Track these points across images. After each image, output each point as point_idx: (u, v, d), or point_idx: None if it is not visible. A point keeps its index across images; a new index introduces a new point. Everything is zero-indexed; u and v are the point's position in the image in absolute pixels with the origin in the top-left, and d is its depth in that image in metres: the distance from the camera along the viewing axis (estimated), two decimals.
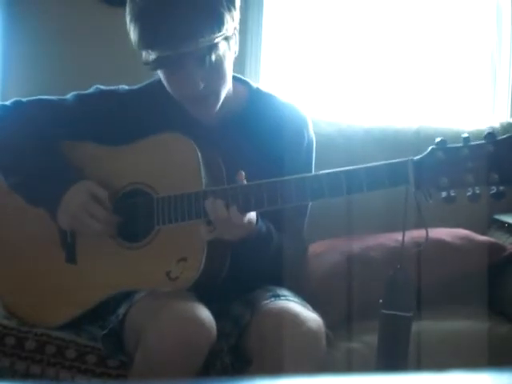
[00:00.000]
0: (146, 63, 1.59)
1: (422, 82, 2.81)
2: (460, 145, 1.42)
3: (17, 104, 1.78)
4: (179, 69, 1.58)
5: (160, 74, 1.64)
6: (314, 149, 1.78)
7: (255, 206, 1.53)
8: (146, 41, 1.56)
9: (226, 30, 1.57)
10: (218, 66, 1.60)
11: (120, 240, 1.70)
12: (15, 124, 1.75)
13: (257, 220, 1.58)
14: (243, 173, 1.54)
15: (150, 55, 1.57)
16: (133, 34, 1.58)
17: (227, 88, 1.66)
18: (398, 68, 2.80)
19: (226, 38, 1.59)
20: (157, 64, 1.58)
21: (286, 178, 1.53)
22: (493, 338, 1.99)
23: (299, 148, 1.75)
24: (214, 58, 1.57)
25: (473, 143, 1.41)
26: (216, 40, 1.55)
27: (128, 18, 1.59)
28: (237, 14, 1.61)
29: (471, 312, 2.08)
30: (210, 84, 1.61)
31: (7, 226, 1.85)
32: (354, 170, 1.48)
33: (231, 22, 1.59)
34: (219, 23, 1.55)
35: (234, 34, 1.63)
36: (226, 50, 1.60)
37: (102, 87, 1.78)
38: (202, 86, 1.59)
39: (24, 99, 1.79)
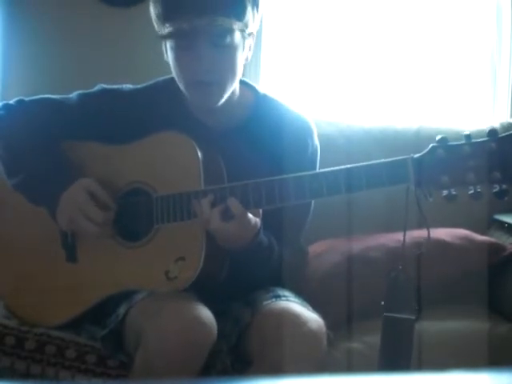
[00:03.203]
0: (162, 36, 1.60)
1: (422, 82, 2.81)
2: (461, 142, 1.40)
3: (20, 103, 1.78)
4: (192, 43, 1.58)
5: (171, 52, 1.63)
6: (319, 157, 1.78)
7: (254, 204, 1.53)
8: (166, 12, 1.57)
9: (245, 24, 1.59)
10: (228, 53, 1.60)
11: (120, 239, 1.70)
12: (18, 123, 1.75)
13: (259, 229, 1.58)
14: None
15: (167, 28, 1.58)
16: (153, 6, 1.60)
17: (233, 86, 1.65)
18: (398, 68, 2.80)
19: (243, 32, 1.60)
20: (172, 35, 1.58)
21: (284, 176, 1.53)
22: (493, 338, 1.99)
23: (303, 156, 1.74)
24: (227, 40, 1.57)
25: (474, 140, 1.39)
26: (233, 26, 1.56)
27: None
28: (258, 19, 1.63)
29: (471, 312, 2.08)
30: (217, 70, 1.60)
31: (9, 225, 1.85)
32: (353, 168, 1.47)
33: (251, 20, 1.60)
34: (240, 11, 1.57)
35: (251, 37, 1.64)
36: (240, 44, 1.61)
37: (106, 86, 1.78)
38: (209, 67, 1.59)
39: (27, 98, 1.79)
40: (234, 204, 1.52)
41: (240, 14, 1.57)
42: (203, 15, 1.54)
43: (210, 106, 1.66)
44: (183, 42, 1.59)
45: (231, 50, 1.60)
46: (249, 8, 1.59)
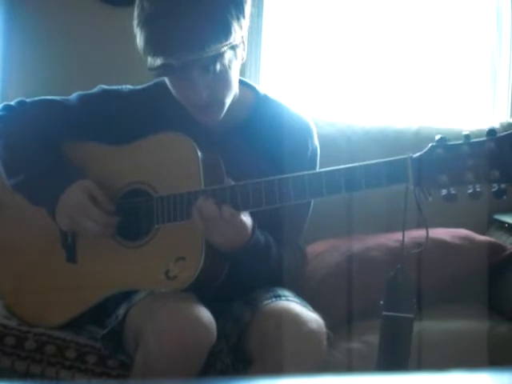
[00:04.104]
0: (151, 69, 1.58)
1: (422, 82, 2.81)
2: (460, 142, 1.41)
3: (21, 104, 1.79)
4: (183, 77, 1.57)
5: (165, 78, 1.64)
6: (318, 158, 1.78)
7: (254, 204, 1.54)
8: (152, 47, 1.54)
9: (233, 39, 1.56)
10: (223, 74, 1.59)
11: (120, 239, 1.70)
12: (19, 123, 1.76)
13: (253, 228, 1.58)
14: None
15: (155, 61, 1.56)
16: (139, 39, 1.57)
17: (232, 95, 1.65)
18: (398, 68, 2.80)
19: (233, 47, 1.58)
20: (161, 71, 1.57)
21: (284, 176, 1.53)
22: (493, 338, 1.99)
23: (303, 156, 1.74)
24: (218, 67, 1.56)
25: (473, 140, 1.41)
26: (222, 49, 1.54)
27: (135, 22, 1.58)
28: (246, 22, 1.60)
29: (471, 312, 2.08)
30: (215, 92, 1.60)
31: (9, 226, 1.85)
32: (352, 167, 1.48)
33: (239, 31, 1.57)
34: (226, 33, 1.54)
35: (242, 41, 1.62)
36: (233, 58, 1.59)
37: (106, 87, 1.78)
38: (205, 93, 1.58)
39: (28, 99, 1.79)
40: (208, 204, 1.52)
41: (227, 34, 1.54)
42: (192, 49, 1.51)
43: (211, 122, 1.67)
44: (175, 75, 1.58)
45: (226, 71, 1.59)
46: (234, 24, 1.54)
